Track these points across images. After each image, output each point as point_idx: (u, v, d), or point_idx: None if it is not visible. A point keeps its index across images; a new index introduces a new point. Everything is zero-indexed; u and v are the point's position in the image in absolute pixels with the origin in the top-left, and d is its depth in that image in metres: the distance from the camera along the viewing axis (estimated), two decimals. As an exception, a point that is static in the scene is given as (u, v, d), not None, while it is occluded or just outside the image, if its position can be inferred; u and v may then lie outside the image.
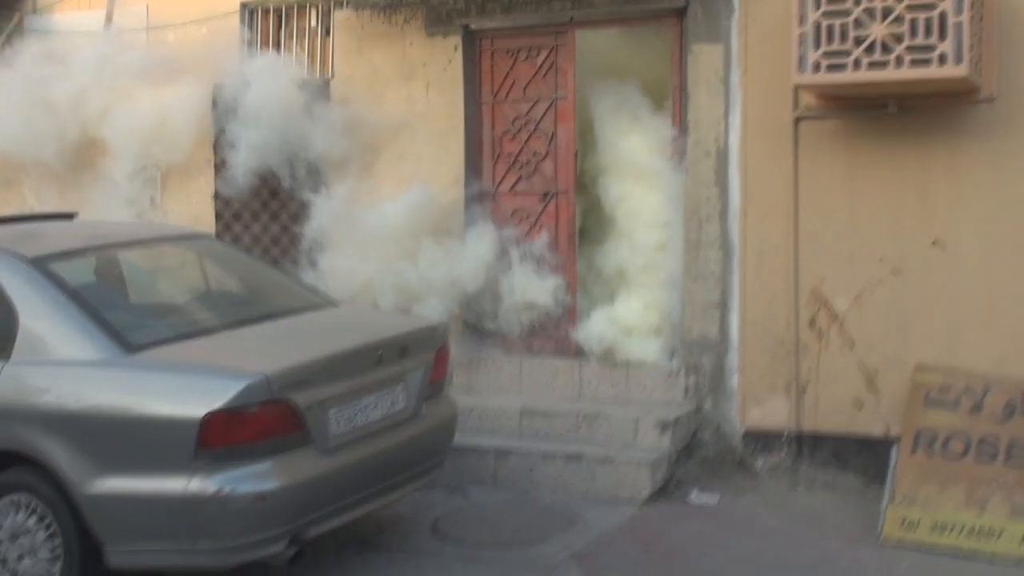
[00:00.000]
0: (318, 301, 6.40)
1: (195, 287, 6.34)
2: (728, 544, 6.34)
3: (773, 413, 7.39)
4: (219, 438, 4.94)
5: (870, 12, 6.49)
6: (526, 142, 8.12)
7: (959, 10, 6.32)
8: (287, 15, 8.94)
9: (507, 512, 6.84)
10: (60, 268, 5.65)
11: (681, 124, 7.70)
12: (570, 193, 8.00)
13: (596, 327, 7.89)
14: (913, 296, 7.04)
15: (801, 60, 6.66)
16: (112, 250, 6.14)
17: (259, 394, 5.00)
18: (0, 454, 5.36)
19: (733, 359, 7.49)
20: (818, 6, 6.61)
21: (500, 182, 8.22)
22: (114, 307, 5.76)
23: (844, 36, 6.56)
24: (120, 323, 5.45)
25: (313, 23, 8.85)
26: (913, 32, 6.41)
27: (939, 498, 6.47)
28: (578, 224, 8.08)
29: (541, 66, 8.02)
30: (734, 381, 7.49)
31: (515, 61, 8.12)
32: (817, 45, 6.61)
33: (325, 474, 5.28)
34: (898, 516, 6.46)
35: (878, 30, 6.47)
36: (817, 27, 6.61)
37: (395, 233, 8.06)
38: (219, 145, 8.85)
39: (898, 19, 6.43)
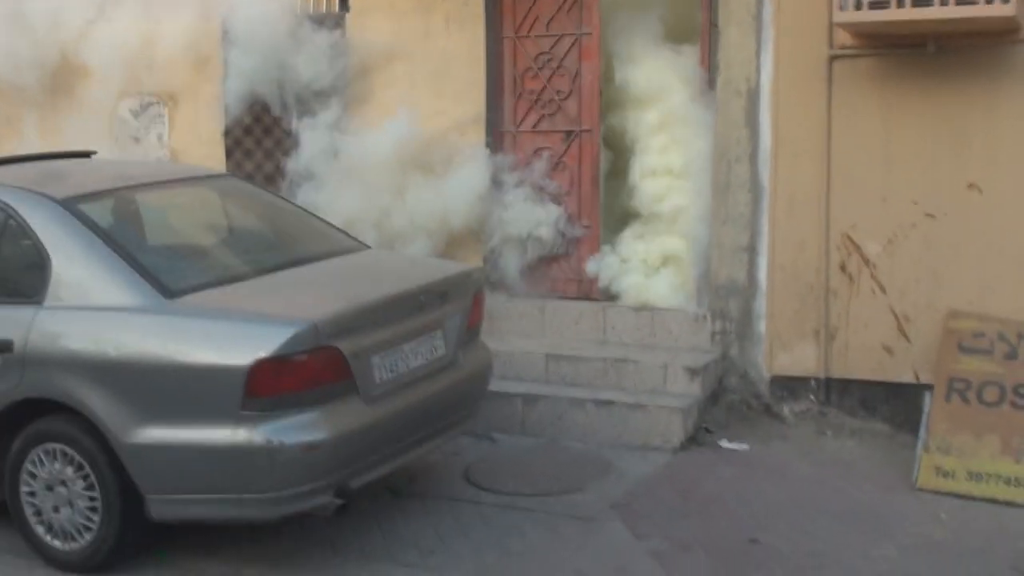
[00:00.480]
0: (350, 244, 6.22)
1: (225, 229, 6.15)
2: (764, 492, 6.27)
3: (801, 359, 7.30)
4: (267, 387, 4.80)
5: (915, -52, 6.34)
6: (549, 79, 7.92)
7: (1007, -56, 6.18)
8: (299, -57, 8.70)
9: (538, 459, 6.75)
10: (90, 210, 5.45)
11: (710, 63, 7.51)
12: (595, 133, 7.82)
13: (620, 270, 7.76)
14: (947, 241, 6.93)
15: (843, -2, 6.55)
16: (140, 191, 5.93)
17: (307, 342, 4.86)
18: (34, 402, 5.21)
19: (761, 304, 7.38)
20: (861, -59, 6.46)
21: (522, 121, 8.03)
22: (148, 251, 5.58)
23: (890, -26, 6.43)
24: (157, 268, 5.27)
25: (327, -50, 8.62)
26: (959, -31, 6.28)
27: (974, 446, 6.42)
28: (603, 166, 7.92)
29: (565, 1, 7.82)
30: (762, 327, 7.38)
31: (539, -6, 7.93)
32: (860, -19, 6.48)
33: (371, 423, 5.16)
34: (932, 464, 6.41)
35: (923, -33, 6.33)
36: (860, -37, 6.46)
37: (403, 168, 7.93)
38: (228, 79, 8.63)
39: (944, -45, 6.30)
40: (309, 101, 8.37)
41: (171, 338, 4.97)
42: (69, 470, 5.17)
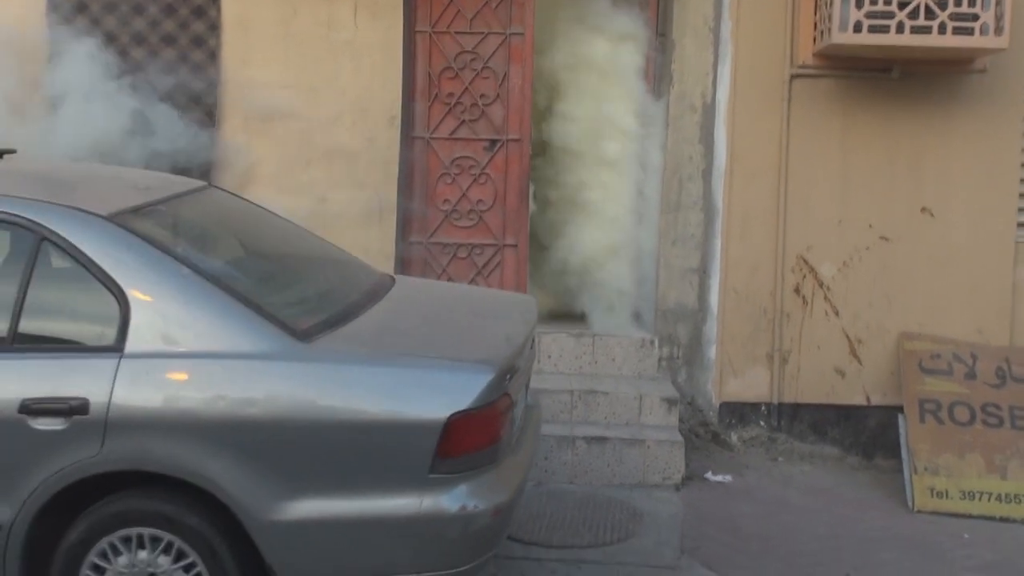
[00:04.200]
0: (379, 272, 5.18)
1: (270, 252, 4.87)
2: (793, 525, 6.04)
3: (753, 384, 7.10)
4: (460, 444, 3.90)
5: (916, -26, 6.31)
6: (471, 82, 7.12)
7: (1006, -20, 6.30)
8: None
9: (553, 506, 6.02)
10: (150, 230, 4.14)
11: (655, 74, 7.11)
12: (524, 143, 7.10)
13: (553, 293, 7.17)
14: (900, 264, 7.01)
15: (842, 19, 6.38)
16: (171, 205, 4.53)
17: (497, 389, 4.00)
18: (110, 476, 3.92)
19: (712, 328, 7.08)
20: (865, -38, 6.33)
21: (437, 126, 7.16)
22: (241, 281, 4.26)
23: (888, -2, 6.35)
24: (267, 303, 4.09)
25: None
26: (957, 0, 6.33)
27: (960, 466, 6.53)
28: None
29: (493, -5, 7.09)
30: (712, 352, 7.08)
31: (460, -13, 7.10)
32: (860, 4, 6.34)
33: (523, 478, 4.36)
34: (926, 486, 6.45)
35: (924, -7, 6.31)
36: (863, -16, 6.33)
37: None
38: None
39: (943, -16, 6.32)
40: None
41: (328, 390, 3.89)
42: (163, 561, 3.90)
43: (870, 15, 6.31)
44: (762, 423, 7.12)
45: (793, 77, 6.91)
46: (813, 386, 7.09)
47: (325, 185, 6.99)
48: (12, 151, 5.02)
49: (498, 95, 7.13)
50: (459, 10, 7.10)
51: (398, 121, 7.01)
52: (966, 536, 6.03)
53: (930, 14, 6.29)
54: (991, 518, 6.35)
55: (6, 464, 3.93)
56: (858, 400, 7.08)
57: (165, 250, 4.09)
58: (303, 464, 3.90)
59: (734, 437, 7.12)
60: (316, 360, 3.98)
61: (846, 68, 6.86)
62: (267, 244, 4.80)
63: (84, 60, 6.82)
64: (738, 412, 7.12)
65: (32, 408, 3.89)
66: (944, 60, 6.72)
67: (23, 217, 4.07)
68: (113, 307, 3.96)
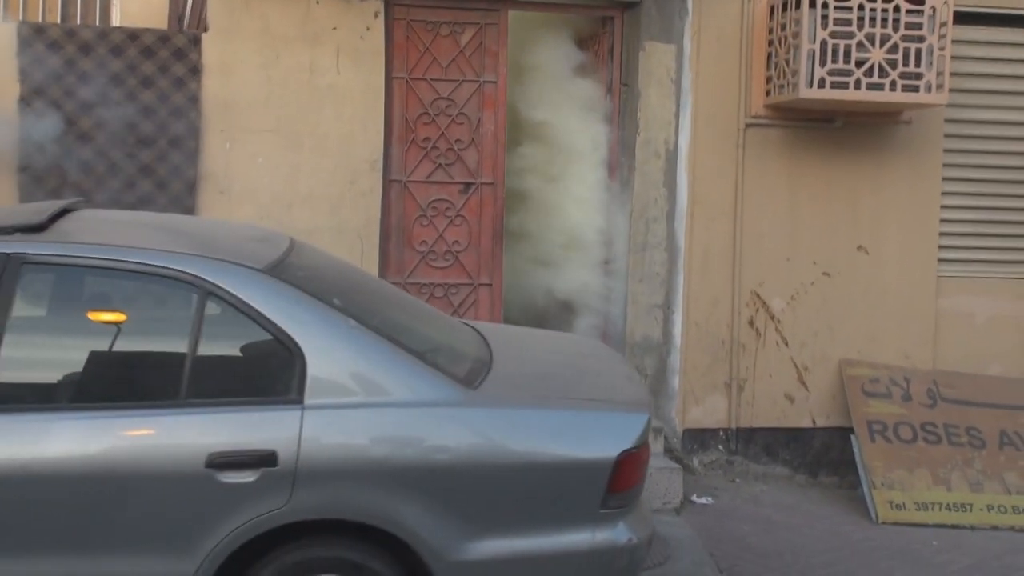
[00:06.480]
0: (457, 319, 5.38)
1: (374, 303, 4.91)
2: (794, 542, 6.52)
3: (712, 411, 7.60)
4: (625, 480, 4.20)
5: (870, 37, 6.97)
6: (447, 127, 7.32)
7: (943, 45, 7.05)
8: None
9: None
10: (305, 282, 4.23)
11: (620, 122, 7.51)
12: (498, 186, 7.37)
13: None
14: (840, 297, 7.68)
15: (808, 75, 6.98)
16: (294, 256, 4.58)
17: (648, 429, 4.34)
18: (293, 525, 3.98)
19: (675, 360, 7.54)
20: (826, 25, 6.95)
21: (414, 170, 7.31)
22: (398, 331, 4.37)
23: (848, 57, 6.98)
24: (430, 353, 4.29)
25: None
26: (906, 60, 7.03)
27: (910, 480, 7.23)
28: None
29: (467, 45, 7.28)
30: (676, 382, 7.53)
31: (435, 36, 7.26)
32: (824, 63, 6.96)
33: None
34: (885, 500, 7.11)
35: (877, 54, 6.98)
36: (824, 45, 6.95)
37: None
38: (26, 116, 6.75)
39: (894, 47, 7.01)
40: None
41: (505, 433, 4.13)
42: None
43: (832, 72, 6.95)
44: (720, 447, 7.64)
45: (747, 126, 7.49)
46: (766, 411, 7.67)
47: (308, 228, 6.96)
48: (83, 200, 4.94)
49: (472, 140, 7.38)
50: (435, 58, 7.30)
51: (379, 165, 7.13)
52: (935, 543, 6.69)
53: (883, 72, 7.00)
54: (943, 526, 7.05)
55: (190, 518, 3.92)
56: (805, 423, 7.71)
57: (325, 302, 4.19)
58: (485, 505, 4.09)
59: (696, 461, 7.59)
60: (489, 405, 4.20)
61: (794, 119, 7.50)
62: (369, 295, 4.89)
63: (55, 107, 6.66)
64: (699, 438, 7.60)
65: (218, 462, 3.90)
66: (880, 112, 7.46)
67: (185, 272, 4.07)
68: (287, 359, 4.04)
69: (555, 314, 7.54)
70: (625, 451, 4.18)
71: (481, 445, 4.10)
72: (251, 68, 6.98)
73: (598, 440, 4.19)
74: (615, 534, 4.20)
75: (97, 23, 7.85)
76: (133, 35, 6.82)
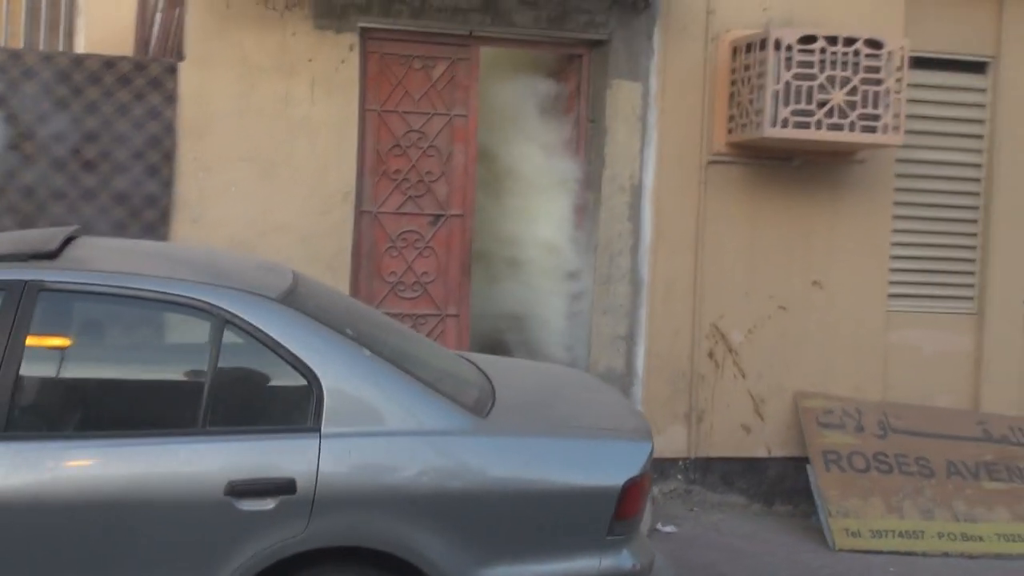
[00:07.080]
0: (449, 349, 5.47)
1: (377, 332, 4.97)
2: (761, 569, 6.74)
3: (673, 441, 7.75)
4: (630, 508, 4.33)
5: (831, 80, 7.24)
6: (417, 160, 7.41)
7: (900, 88, 7.34)
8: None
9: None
10: (317, 311, 4.31)
11: (586, 156, 7.67)
12: (467, 218, 7.47)
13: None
14: (795, 330, 7.92)
15: (772, 116, 7.21)
16: (300, 286, 4.64)
17: (651, 458, 4.50)
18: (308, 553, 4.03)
19: (637, 391, 7.69)
20: (789, 67, 7.20)
21: (384, 201, 7.37)
22: (408, 361, 4.47)
23: (810, 98, 7.24)
24: (439, 382, 4.38)
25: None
26: (864, 102, 7.30)
27: (864, 508, 7.46)
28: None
29: (439, 79, 7.39)
30: (638, 412, 7.69)
31: (408, 69, 7.36)
32: (787, 103, 7.20)
33: None
34: (842, 528, 7.33)
35: (838, 96, 7.24)
36: (787, 86, 7.19)
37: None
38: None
39: (853, 89, 7.28)
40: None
41: (516, 461, 4.25)
42: None
43: (795, 112, 7.20)
44: (679, 476, 7.80)
45: (709, 163, 7.71)
46: (723, 441, 7.86)
47: (279, 258, 6.81)
48: (78, 228, 4.94)
49: (443, 172, 7.47)
50: (407, 91, 7.39)
51: (352, 196, 7.20)
52: (892, 570, 6.94)
53: (843, 114, 7.26)
54: (896, 552, 7.29)
55: (209, 546, 3.97)
56: (761, 453, 7.91)
57: (339, 331, 4.27)
58: (496, 531, 4.20)
59: (655, 491, 7.73)
60: (501, 434, 4.32)
61: (755, 157, 7.74)
62: (373, 325, 4.96)
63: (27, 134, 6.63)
64: (659, 467, 7.73)
65: (238, 489, 3.95)
66: (836, 152, 7.73)
67: (202, 300, 4.12)
68: (304, 387, 4.11)
69: (519, 344, 7.65)
70: (631, 479, 4.31)
71: (493, 473, 4.21)
72: (227, 98, 7.01)
73: (606, 468, 4.31)
74: (620, 560, 4.32)
75: (60, 48, 7.80)
76: (109, 63, 6.82)
